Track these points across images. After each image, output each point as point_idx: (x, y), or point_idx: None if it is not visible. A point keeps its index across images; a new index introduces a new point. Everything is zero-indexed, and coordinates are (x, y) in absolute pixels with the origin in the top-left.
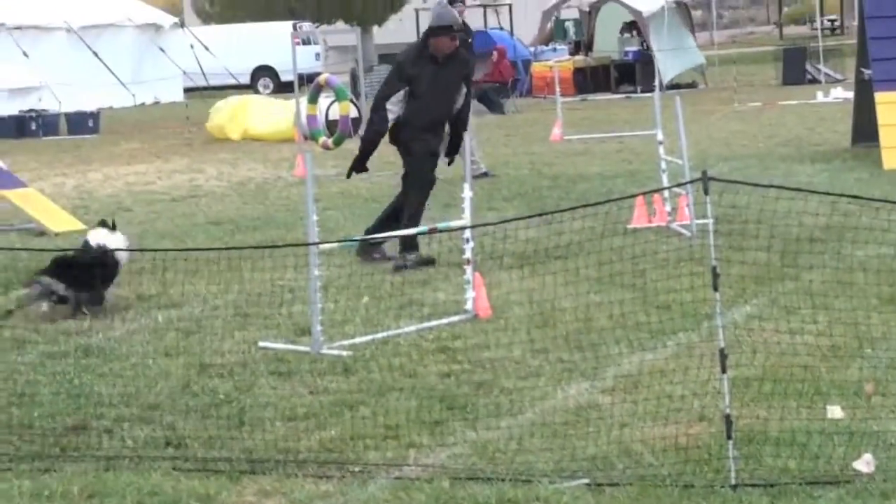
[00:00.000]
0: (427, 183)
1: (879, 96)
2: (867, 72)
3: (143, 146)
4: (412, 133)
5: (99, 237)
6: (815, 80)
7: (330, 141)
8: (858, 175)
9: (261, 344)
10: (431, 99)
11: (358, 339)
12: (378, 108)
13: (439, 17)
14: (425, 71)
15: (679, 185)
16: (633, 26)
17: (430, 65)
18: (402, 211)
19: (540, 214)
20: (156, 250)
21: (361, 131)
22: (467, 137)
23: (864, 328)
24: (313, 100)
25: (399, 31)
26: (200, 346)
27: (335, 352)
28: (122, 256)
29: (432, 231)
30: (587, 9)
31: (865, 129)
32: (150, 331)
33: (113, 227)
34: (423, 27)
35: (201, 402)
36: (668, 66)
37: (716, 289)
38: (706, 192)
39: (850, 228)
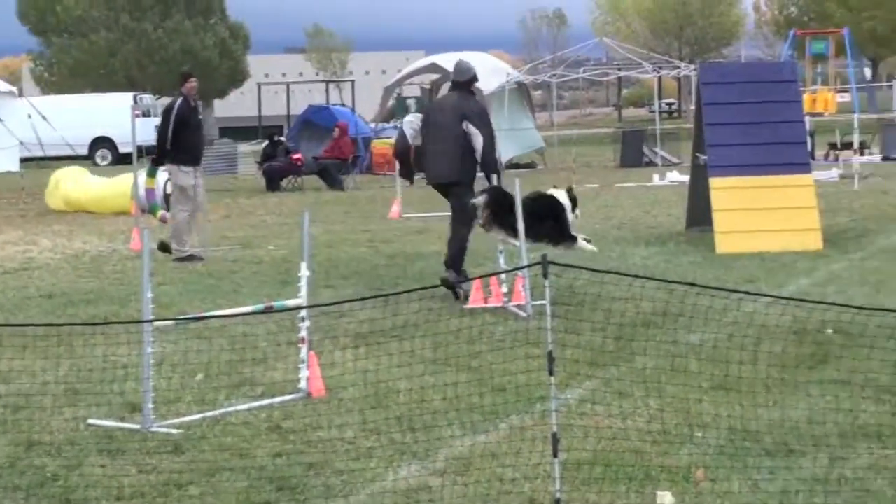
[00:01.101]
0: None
1: (714, 181)
2: (703, 157)
3: None
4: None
5: None
6: (652, 163)
7: (167, 214)
8: (692, 259)
9: (90, 421)
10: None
11: (189, 418)
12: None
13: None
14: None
15: (518, 269)
16: None
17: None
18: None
19: (375, 297)
20: None
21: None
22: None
23: (695, 413)
24: (152, 173)
25: (241, 104)
26: (29, 423)
27: (165, 430)
28: None
29: (268, 310)
30: (428, 86)
31: (700, 213)
32: None
33: None
34: (266, 101)
35: (28, 481)
36: (507, 147)
37: (551, 373)
38: (545, 276)
39: (684, 313)
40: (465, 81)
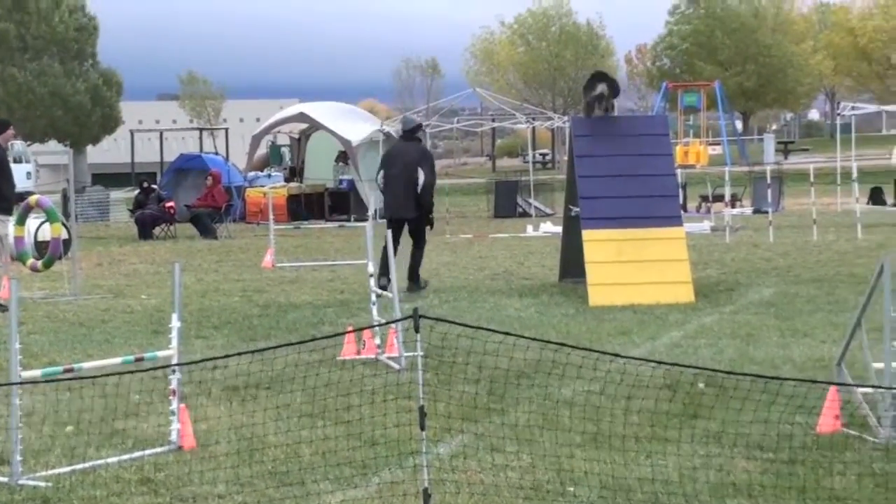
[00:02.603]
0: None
1: (586, 234)
2: (575, 209)
3: None
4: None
5: None
6: (525, 214)
7: (39, 263)
8: (566, 311)
9: None
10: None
11: (59, 470)
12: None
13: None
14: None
15: (391, 323)
16: (347, 155)
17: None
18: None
19: (251, 352)
20: None
21: (70, 253)
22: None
23: (568, 468)
24: (21, 221)
25: (114, 150)
26: None
27: (34, 482)
28: None
29: (139, 360)
30: (297, 136)
31: (573, 265)
32: None
33: None
34: (139, 148)
35: None
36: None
37: (422, 428)
38: (416, 330)
39: (558, 365)
40: (410, 130)
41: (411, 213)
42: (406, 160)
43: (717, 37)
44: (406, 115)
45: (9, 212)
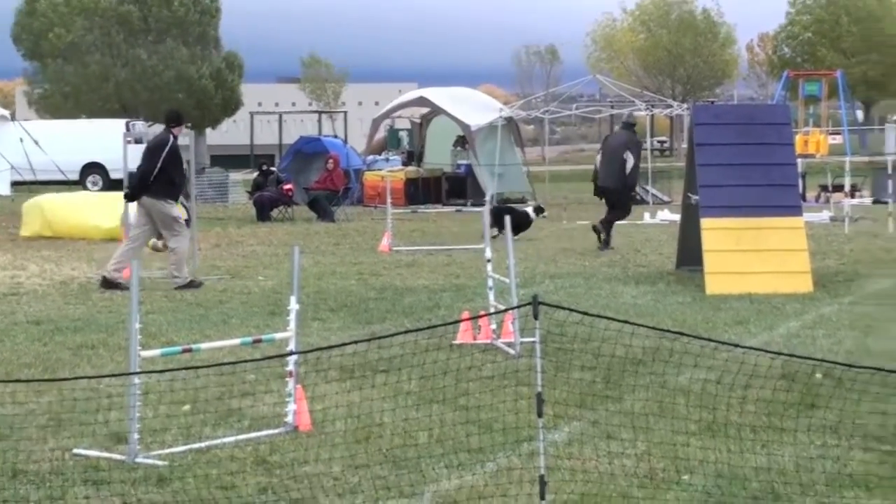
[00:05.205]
0: None
1: (705, 222)
2: (694, 197)
3: None
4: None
5: None
6: (643, 201)
7: (160, 242)
8: (682, 299)
9: (75, 451)
10: None
11: (175, 449)
12: None
13: None
14: None
15: (510, 309)
16: (466, 140)
17: None
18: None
19: (367, 340)
20: None
21: (190, 234)
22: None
23: (682, 456)
24: None
25: (233, 132)
26: (13, 452)
27: (151, 461)
28: None
29: (256, 342)
30: (418, 120)
31: (690, 253)
32: None
33: None
34: (258, 130)
35: None
36: (494, 182)
37: (539, 414)
38: (536, 317)
39: (674, 353)
40: (630, 123)
41: (614, 184)
42: (615, 144)
43: (841, 24)
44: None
45: (176, 198)
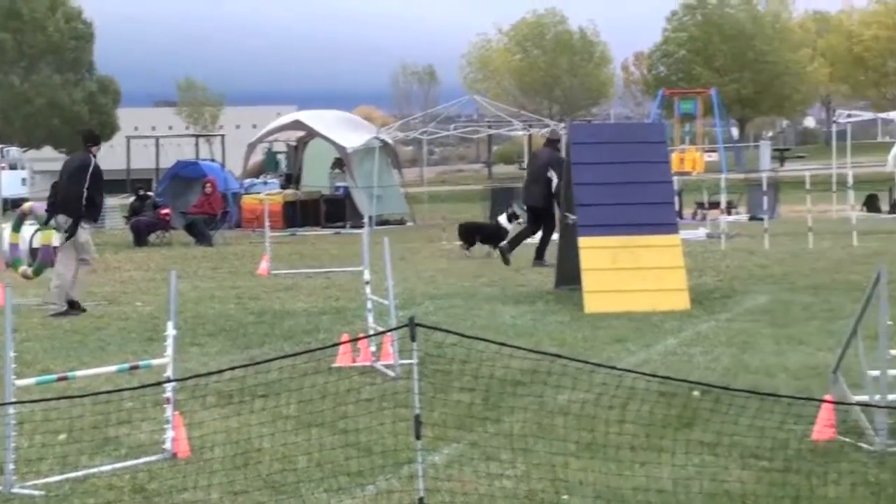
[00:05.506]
0: None
1: (583, 241)
2: (571, 217)
3: None
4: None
5: None
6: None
7: (30, 270)
8: (561, 318)
9: None
10: None
11: (52, 479)
12: None
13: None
14: None
15: (387, 332)
16: (343, 162)
17: None
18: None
19: (245, 365)
20: None
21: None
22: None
23: (562, 476)
24: (17, 228)
25: (109, 157)
26: None
27: (27, 491)
28: None
29: (133, 368)
30: (294, 143)
31: (569, 272)
32: None
33: None
34: (135, 154)
35: None
36: (371, 204)
37: (418, 436)
38: (413, 339)
39: (553, 374)
40: (553, 140)
41: (540, 203)
42: (538, 164)
43: (714, 43)
44: (553, 127)
45: (96, 220)
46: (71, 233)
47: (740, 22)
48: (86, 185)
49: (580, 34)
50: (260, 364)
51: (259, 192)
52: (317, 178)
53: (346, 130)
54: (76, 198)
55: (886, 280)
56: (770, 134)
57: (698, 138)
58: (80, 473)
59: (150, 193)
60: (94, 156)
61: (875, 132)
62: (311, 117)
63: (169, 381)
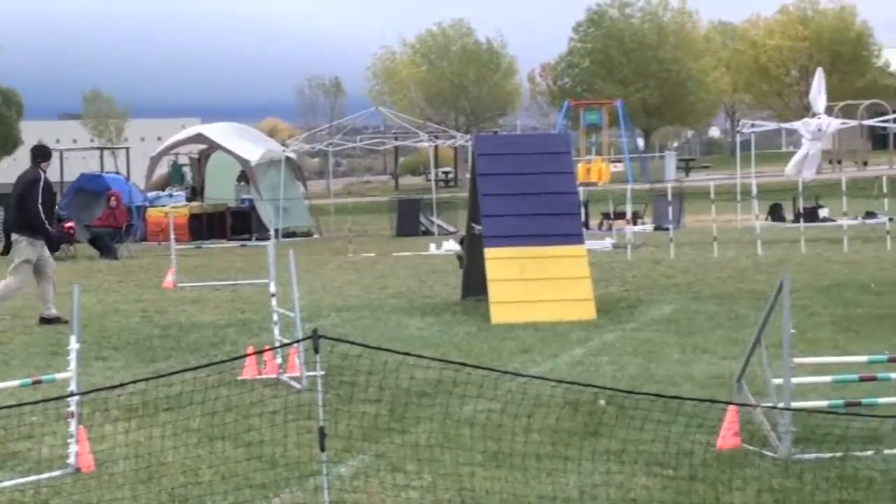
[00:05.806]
0: None
1: (489, 252)
2: (478, 227)
3: None
4: None
5: None
6: (428, 232)
7: None
8: (468, 329)
9: None
10: None
11: None
12: None
13: None
14: None
15: (290, 344)
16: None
17: None
18: None
19: (149, 378)
20: None
21: None
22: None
23: (469, 485)
24: None
25: (12, 170)
26: None
27: None
28: None
29: (36, 382)
30: (196, 155)
31: (475, 283)
32: None
33: None
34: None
35: None
36: (276, 216)
37: (322, 448)
38: (316, 351)
39: (459, 384)
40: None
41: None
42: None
43: (614, 56)
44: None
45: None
46: (51, 248)
47: (642, 33)
48: (39, 201)
49: (487, 45)
50: (165, 377)
51: (164, 205)
52: (220, 191)
53: (248, 142)
54: (33, 214)
55: (789, 288)
56: (675, 144)
57: (604, 149)
58: None
59: None
60: (44, 171)
61: (779, 142)
62: (212, 130)
63: (73, 394)
